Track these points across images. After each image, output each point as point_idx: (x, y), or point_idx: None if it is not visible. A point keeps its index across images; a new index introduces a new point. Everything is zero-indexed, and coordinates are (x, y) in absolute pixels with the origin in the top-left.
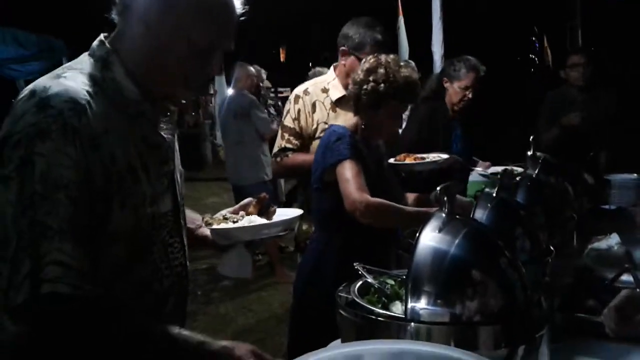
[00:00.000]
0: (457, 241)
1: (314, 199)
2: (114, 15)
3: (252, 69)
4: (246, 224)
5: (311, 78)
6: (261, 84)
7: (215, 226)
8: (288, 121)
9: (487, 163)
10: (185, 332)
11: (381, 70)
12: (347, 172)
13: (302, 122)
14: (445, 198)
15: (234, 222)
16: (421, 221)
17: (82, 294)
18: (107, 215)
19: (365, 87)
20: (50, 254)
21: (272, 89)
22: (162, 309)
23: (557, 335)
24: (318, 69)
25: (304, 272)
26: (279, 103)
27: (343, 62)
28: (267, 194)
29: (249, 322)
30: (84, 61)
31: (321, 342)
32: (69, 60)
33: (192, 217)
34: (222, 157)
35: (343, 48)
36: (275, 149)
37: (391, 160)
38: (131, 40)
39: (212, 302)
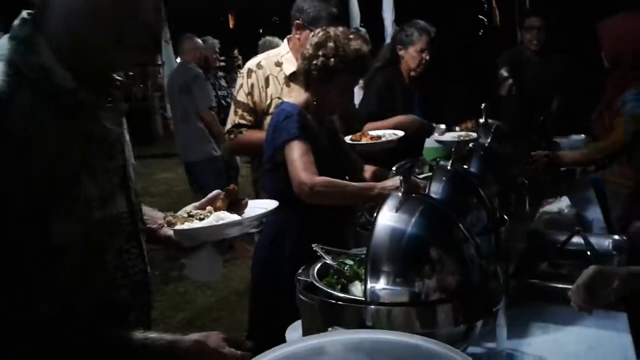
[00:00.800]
0: (413, 220)
1: (267, 179)
2: None
3: (199, 41)
4: (214, 222)
5: (261, 48)
6: (214, 56)
7: (179, 226)
8: (241, 96)
9: (442, 128)
10: (153, 335)
11: (330, 44)
12: (294, 152)
13: (256, 97)
14: (401, 178)
15: (200, 219)
16: (369, 197)
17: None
18: (44, 230)
19: (315, 62)
20: None
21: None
22: (123, 321)
23: (512, 302)
24: (268, 38)
25: (261, 252)
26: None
27: (297, 35)
28: (218, 169)
29: (208, 300)
30: (3, 45)
31: (281, 322)
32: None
33: (153, 216)
34: (172, 128)
35: (297, 22)
36: (228, 125)
37: (347, 140)
38: (55, 14)
39: (171, 282)
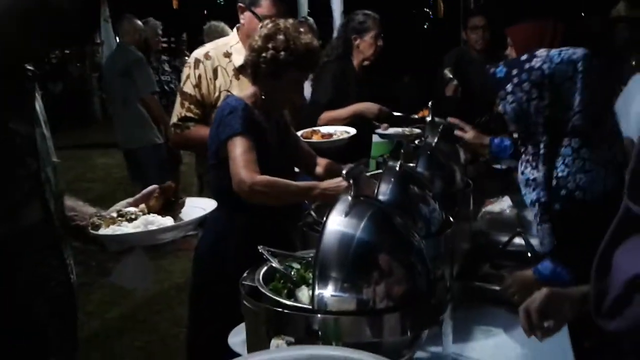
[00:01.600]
0: (362, 225)
1: (212, 175)
2: None
3: (139, 22)
4: (141, 228)
5: (206, 33)
6: (156, 39)
7: (103, 231)
8: (188, 88)
9: (385, 125)
10: None
11: (280, 37)
12: (236, 149)
13: (204, 90)
14: (351, 181)
15: (130, 219)
16: (310, 196)
17: None
18: None
19: (264, 54)
20: None
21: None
22: (42, 339)
23: (455, 304)
24: (213, 23)
25: (204, 250)
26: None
27: (243, 20)
28: (160, 158)
29: (147, 293)
30: None
31: (223, 325)
32: None
33: (83, 211)
34: (110, 112)
35: (240, 4)
36: (174, 119)
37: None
38: None
39: (107, 273)
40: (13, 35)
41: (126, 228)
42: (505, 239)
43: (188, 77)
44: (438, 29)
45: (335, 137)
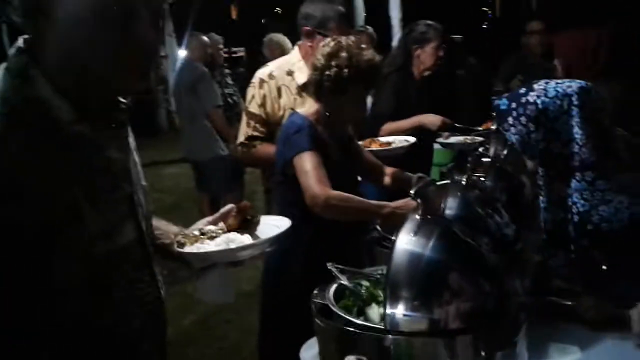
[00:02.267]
0: (431, 244)
1: (278, 191)
2: (16, 19)
3: (205, 38)
4: (223, 245)
5: (266, 45)
6: (219, 53)
7: (188, 248)
8: (253, 107)
9: (447, 134)
10: None
11: (343, 54)
12: (307, 164)
13: (269, 109)
14: (419, 200)
15: (211, 237)
16: (380, 215)
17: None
18: (47, 270)
19: (327, 72)
20: None
21: (226, 53)
22: (135, 353)
23: (529, 321)
24: (273, 35)
25: (272, 264)
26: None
27: (309, 43)
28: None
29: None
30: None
31: (294, 337)
32: (8, 25)
33: (167, 230)
34: (178, 125)
35: (307, 28)
36: (241, 138)
37: None
38: (51, 44)
39: (179, 282)
40: (107, 69)
41: (209, 246)
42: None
43: (253, 97)
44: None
45: (394, 146)
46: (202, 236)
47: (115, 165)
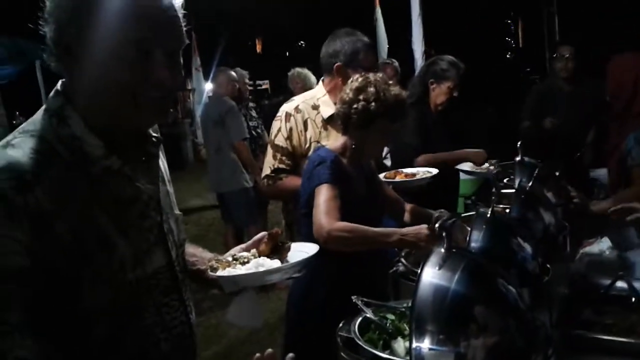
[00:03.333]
0: (456, 277)
1: (302, 223)
2: (52, 64)
3: (233, 73)
4: (253, 269)
5: (291, 79)
6: (245, 87)
7: (220, 272)
8: (279, 140)
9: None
10: None
11: (371, 89)
12: (321, 196)
13: (295, 141)
14: (443, 233)
15: (242, 263)
16: (388, 243)
17: None
18: (76, 296)
19: (355, 106)
20: (12, 352)
21: (251, 86)
22: None
23: (556, 354)
24: (297, 69)
25: (296, 296)
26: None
27: (339, 78)
28: (249, 200)
29: (241, 333)
30: (38, 120)
31: None
32: (42, 64)
33: (203, 257)
34: (204, 156)
35: (338, 64)
36: (267, 170)
37: (380, 177)
38: (81, 84)
39: (203, 313)
40: (127, 107)
41: (239, 270)
42: (606, 282)
43: (279, 130)
44: (522, 58)
45: (418, 177)
46: (234, 261)
47: (144, 195)
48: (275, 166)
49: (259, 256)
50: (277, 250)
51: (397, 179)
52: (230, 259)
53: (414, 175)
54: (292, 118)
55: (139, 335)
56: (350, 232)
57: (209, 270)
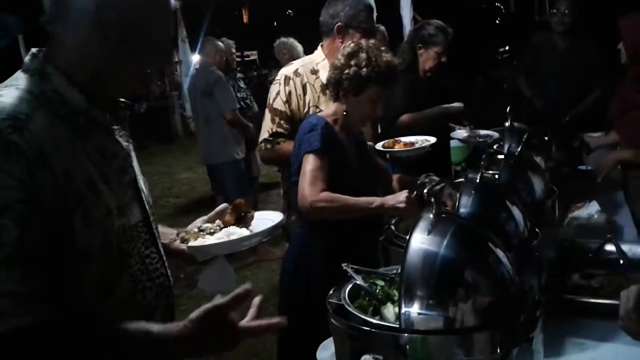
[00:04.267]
0: (445, 242)
1: (293, 192)
2: (46, 24)
3: (220, 44)
4: (224, 238)
5: (277, 50)
6: (232, 57)
7: (192, 243)
8: (278, 104)
9: (459, 127)
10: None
11: (363, 55)
12: (307, 165)
13: (294, 105)
14: (432, 199)
15: (210, 233)
16: (370, 209)
17: (42, 319)
18: (71, 234)
19: (347, 71)
20: None
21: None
22: (149, 321)
23: (545, 317)
24: (283, 39)
25: (288, 265)
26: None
27: (340, 39)
28: (239, 172)
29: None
30: (19, 77)
31: (311, 337)
32: (25, 39)
33: (165, 232)
34: (193, 129)
35: (339, 24)
36: (265, 134)
37: (379, 147)
38: (74, 47)
39: (196, 285)
40: (131, 75)
41: (210, 240)
42: (594, 246)
43: (278, 93)
44: (511, 24)
45: (417, 145)
46: (201, 232)
47: (123, 152)
48: (274, 130)
49: (225, 226)
50: (241, 219)
51: (396, 148)
52: (196, 230)
53: (412, 144)
54: (291, 82)
55: (127, 281)
56: (331, 202)
57: (179, 242)
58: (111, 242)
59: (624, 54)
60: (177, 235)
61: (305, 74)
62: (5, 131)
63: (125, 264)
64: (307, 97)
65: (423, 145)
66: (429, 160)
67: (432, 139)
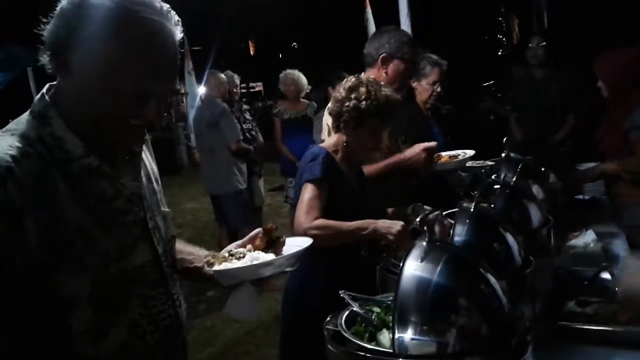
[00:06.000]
0: (438, 269)
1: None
2: (50, 70)
3: (223, 76)
4: (249, 262)
5: (282, 81)
6: (235, 90)
7: (216, 267)
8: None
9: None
10: None
11: (362, 89)
12: (306, 194)
13: None
14: (425, 227)
15: (238, 258)
16: (363, 235)
17: None
18: (53, 286)
19: (347, 104)
20: None
21: (244, 88)
22: None
23: (540, 345)
24: (289, 71)
25: (291, 291)
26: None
27: (384, 70)
28: (242, 202)
29: (236, 334)
30: (22, 120)
31: None
32: (34, 70)
33: (199, 255)
34: (198, 160)
35: (384, 55)
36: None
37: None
38: (70, 92)
39: (199, 315)
40: (124, 121)
41: (235, 264)
42: (590, 274)
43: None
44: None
45: (460, 158)
46: (230, 257)
47: (126, 192)
48: None
49: (254, 251)
50: (272, 244)
51: (442, 161)
52: (226, 254)
53: (456, 157)
54: None
55: (123, 325)
56: (324, 229)
57: (205, 266)
58: (103, 288)
59: (604, 89)
60: (205, 258)
61: None
62: None
63: (121, 309)
64: None
65: (464, 158)
66: (429, 191)
67: (471, 152)
